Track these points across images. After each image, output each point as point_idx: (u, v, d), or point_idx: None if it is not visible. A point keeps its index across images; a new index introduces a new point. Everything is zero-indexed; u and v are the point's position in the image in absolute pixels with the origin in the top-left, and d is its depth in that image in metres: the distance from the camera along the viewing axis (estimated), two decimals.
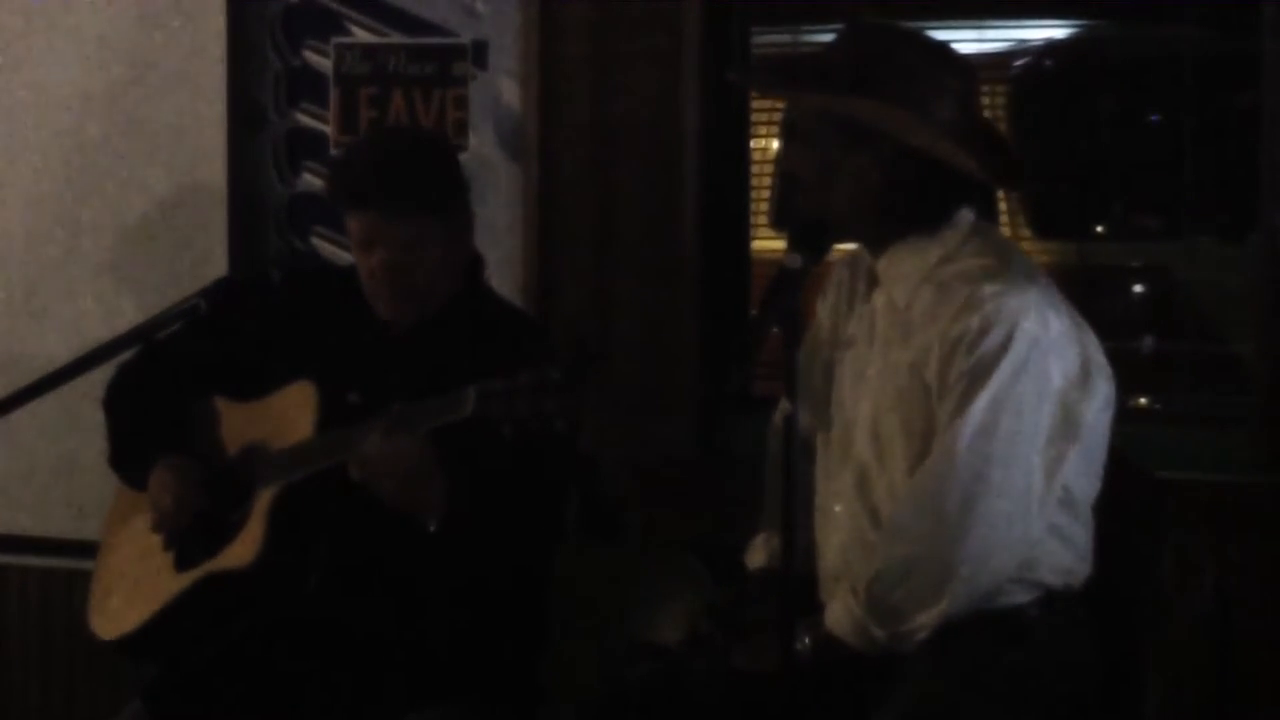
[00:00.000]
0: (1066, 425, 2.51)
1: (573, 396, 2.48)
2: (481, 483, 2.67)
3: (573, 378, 2.48)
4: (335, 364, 2.86)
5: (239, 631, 2.80)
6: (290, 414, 2.82)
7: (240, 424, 2.92)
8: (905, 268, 2.60)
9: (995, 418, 2.46)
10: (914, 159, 2.55)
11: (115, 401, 3.03)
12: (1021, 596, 2.53)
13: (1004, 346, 2.47)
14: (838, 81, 2.58)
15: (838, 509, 2.65)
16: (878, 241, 2.64)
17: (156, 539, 2.90)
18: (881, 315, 2.64)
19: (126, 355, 2.98)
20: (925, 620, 2.48)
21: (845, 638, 2.53)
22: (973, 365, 2.48)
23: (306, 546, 2.74)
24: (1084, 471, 2.55)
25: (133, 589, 2.90)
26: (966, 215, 2.63)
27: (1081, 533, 2.58)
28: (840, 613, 2.54)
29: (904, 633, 2.50)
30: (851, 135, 2.57)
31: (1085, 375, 2.53)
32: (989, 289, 2.51)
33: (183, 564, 2.85)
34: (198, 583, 2.79)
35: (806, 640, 2.54)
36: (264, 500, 2.76)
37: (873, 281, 2.66)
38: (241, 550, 2.74)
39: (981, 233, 2.63)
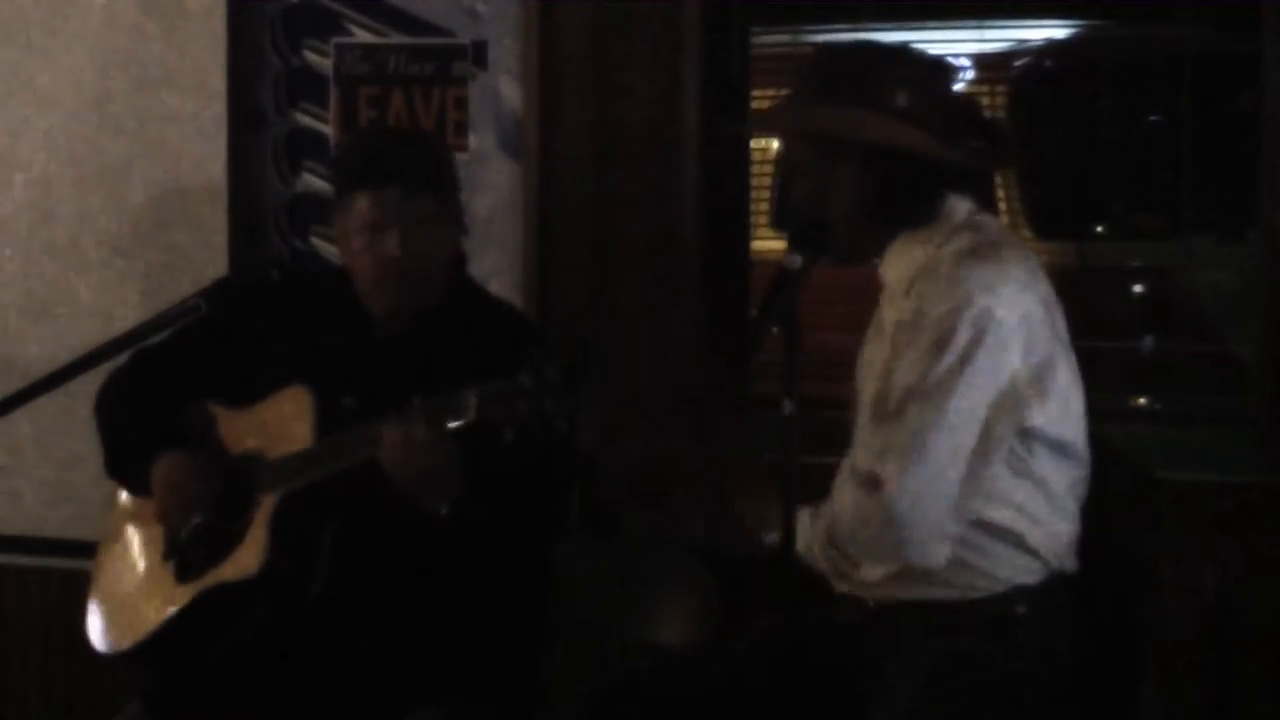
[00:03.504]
0: (1011, 408, 2.50)
1: (572, 397, 2.48)
2: (487, 479, 2.67)
3: (573, 378, 2.48)
4: (329, 368, 2.85)
5: (244, 638, 2.79)
6: (286, 421, 2.81)
7: (235, 431, 2.91)
8: (900, 265, 2.63)
9: (942, 392, 2.46)
10: (888, 157, 2.57)
11: (108, 409, 3.01)
12: (1024, 576, 2.54)
13: (955, 320, 2.47)
14: (803, 100, 2.65)
15: (839, 480, 2.68)
16: (879, 247, 2.66)
17: (155, 550, 2.89)
18: (885, 311, 2.67)
19: (115, 362, 2.96)
20: (871, 573, 2.56)
21: (811, 563, 2.60)
22: (923, 337, 2.49)
23: (309, 552, 2.74)
24: (1051, 458, 2.55)
25: (134, 602, 2.89)
26: (960, 206, 2.63)
27: (1061, 521, 2.58)
28: (806, 539, 2.58)
29: (856, 579, 2.58)
30: (827, 148, 2.61)
31: (1041, 367, 2.52)
32: (950, 269, 2.53)
33: (184, 575, 2.84)
34: (202, 594, 2.78)
35: (776, 537, 2.58)
36: (265, 508, 2.75)
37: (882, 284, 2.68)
38: (245, 560, 2.73)
39: (974, 224, 2.63)
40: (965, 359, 2.47)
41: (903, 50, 2.70)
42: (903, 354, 2.52)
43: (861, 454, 2.57)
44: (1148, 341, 3.78)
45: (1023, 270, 2.54)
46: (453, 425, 2.57)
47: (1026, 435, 2.52)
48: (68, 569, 3.86)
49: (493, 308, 3.01)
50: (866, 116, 2.56)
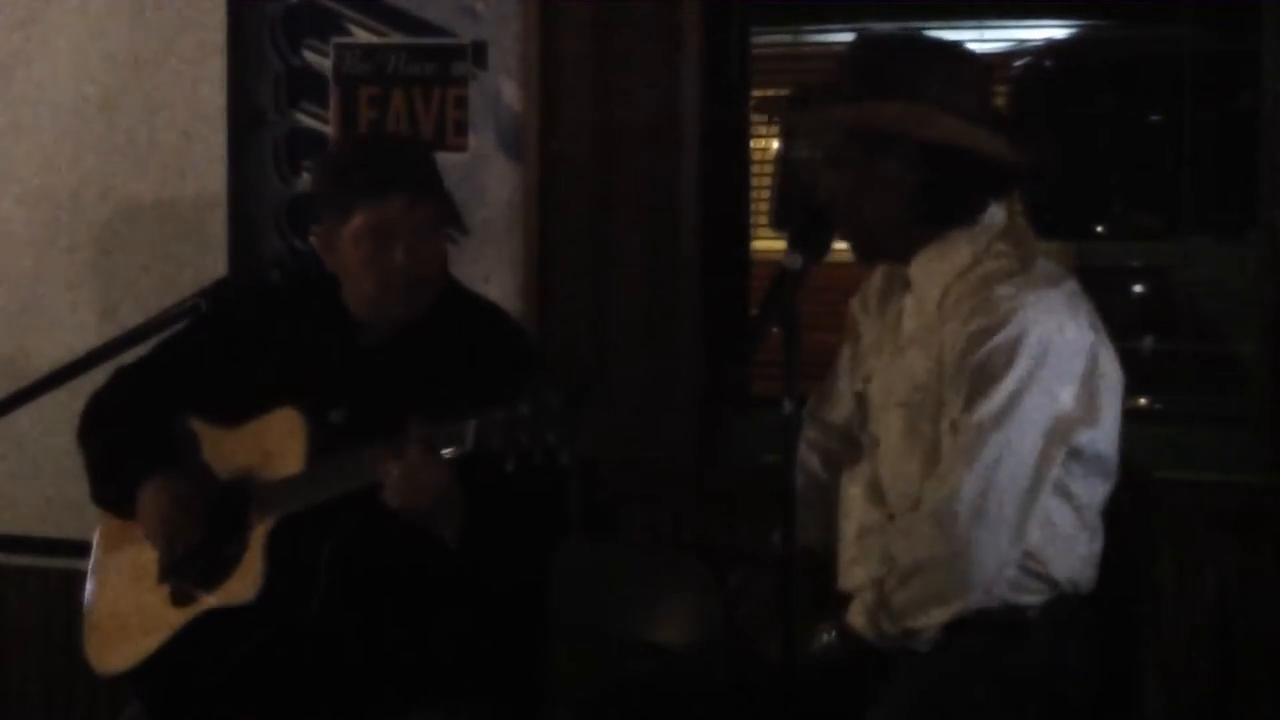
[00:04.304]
0: (1064, 434, 2.51)
1: (574, 424, 2.46)
2: (487, 505, 2.66)
3: (573, 405, 2.46)
4: (316, 378, 2.83)
5: (242, 659, 2.77)
6: (277, 443, 2.78)
7: (224, 451, 2.87)
8: (937, 269, 2.61)
9: (1004, 422, 2.47)
10: (942, 156, 2.54)
11: (92, 433, 2.96)
12: (1030, 596, 2.53)
13: (1015, 349, 2.47)
14: (854, 93, 2.58)
15: (854, 491, 2.68)
16: (911, 250, 2.64)
17: (150, 571, 2.86)
18: (909, 315, 2.65)
19: (96, 383, 2.94)
20: (933, 619, 2.50)
21: (862, 632, 2.56)
22: (984, 366, 2.48)
23: (306, 574, 2.70)
24: (1086, 475, 2.55)
25: (131, 624, 2.87)
26: (997, 214, 2.62)
27: (1087, 538, 2.58)
28: (858, 608, 2.57)
29: (913, 630, 2.52)
30: (876, 144, 2.57)
31: (1091, 389, 2.52)
32: (1006, 291, 2.51)
33: (179, 599, 2.82)
34: (199, 618, 2.77)
35: (833, 634, 2.57)
36: (259, 533, 2.73)
37: (906, 284, 2.66)
38: (241, 585, 2.72)
39: (1009, 234, 2.62)
40: (1023, 388, 2.47)
41: (959, 51, 2.66)
42: (954, 382, 2.51)
43: (902, 481, 2.57)
44: (1147, 341, 3.78)
45: (1070, 291, 2.55)
46: (449, 453, 2.56)
47: (1071, 454, 2.53)
48: (68, 569, 3.85)
49: (482, 313, 2.97)
50: (929, 113, 2.53)
